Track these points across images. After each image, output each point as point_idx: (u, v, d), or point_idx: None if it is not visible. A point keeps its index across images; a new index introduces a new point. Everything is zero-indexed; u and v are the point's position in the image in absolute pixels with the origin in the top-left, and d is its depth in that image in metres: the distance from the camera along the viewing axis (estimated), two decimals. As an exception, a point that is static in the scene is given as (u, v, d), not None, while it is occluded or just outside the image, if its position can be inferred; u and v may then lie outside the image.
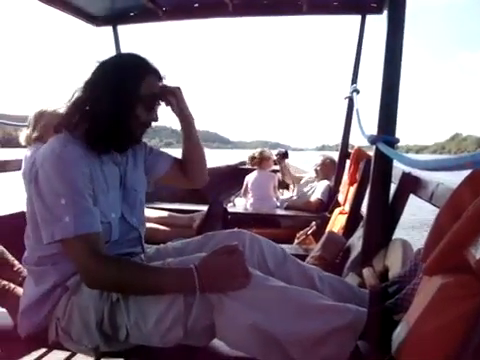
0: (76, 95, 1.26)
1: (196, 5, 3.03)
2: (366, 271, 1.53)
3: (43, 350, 1.78)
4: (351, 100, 3.20)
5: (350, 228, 2.40)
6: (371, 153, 2.26)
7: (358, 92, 2.94)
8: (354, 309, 1.09)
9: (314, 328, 1.05)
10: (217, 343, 1.18)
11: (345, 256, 2.03)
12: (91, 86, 1.25)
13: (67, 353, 1.74)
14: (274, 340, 1.05)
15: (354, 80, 3.21)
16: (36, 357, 1.76)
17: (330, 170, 3.69)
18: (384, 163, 1.64)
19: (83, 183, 1.17)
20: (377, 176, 1.66)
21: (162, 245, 1.48)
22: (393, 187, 1.74)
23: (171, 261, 1.20)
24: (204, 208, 2.76)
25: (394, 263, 1.42)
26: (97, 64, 1.27)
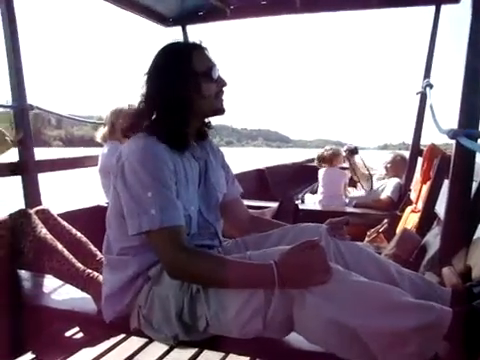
0: (139, 98, 1.34)
1: (263, 2, 3.05)
2: (446, 270, 1.48)
3: (121, 336, 1.88)
4: (423, 95, 3.09)
5: (424, 226, 2.32)
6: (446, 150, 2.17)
7: (431, 87, 2.84)
8: (438, 308, 1.05)
9: (397, 325, 1.02)
10: (295, 336, 1.17)
11: (420, 254, 1.97)
12: (150, 83, 1.31)
13: (144, 340, 1.82)
14: (354, 336, 1.03)
15: (427, 74, 3.08)
16: (115, 342, 1.86)
17: (400, 168, 3.57)
18: (466, 158, 1.57)
19: (168, 176, 1.21)
20: (458, 172, 1.60)
21: (239, 238, 1.50)
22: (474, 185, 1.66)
23: (252, 253, 1.21)
24: (273, 205, 2.77)
25: (479, 263, 1.37)
26: (150, 64, 1.33)
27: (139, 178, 1.19)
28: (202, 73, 1.30)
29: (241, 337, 1.15)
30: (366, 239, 2.77)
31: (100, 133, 2.79)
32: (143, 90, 1.32)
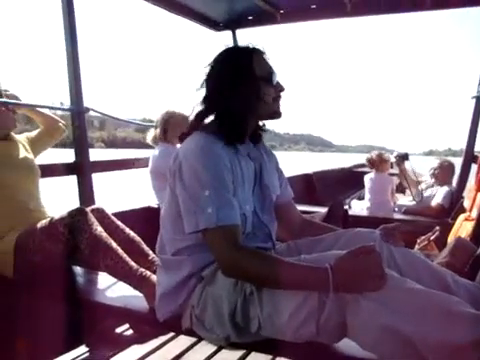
0: (199, 100, 1.36)
1: (313, 6, 3.03)
2: (506, 282, 1.42)
3: (170, 335, 1.91)
4: (479, 99, 2.98)
5: (479, 236, 2.23)
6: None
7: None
8: None
9: (455, 336, 0.98)
10: (347, 343, 1.15)
11: (475, 265, 1.89)
12: (210, 85, 1.34)
13: (192, 339, 1.85)
14: (409, 343, 1.00)
15: None
16: (163, 341, 1.90)
17: (448, 173, 3.51)
18: None
19: (226, 175, 1.23)
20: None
21: (292, 241, 1.50)
22: None
23: (305, 257, 1.20)
24: (320, 209, 2.75)
25: None
26: (209, 66, 1.36)
27: (197, 176, 1.21)
28: (262, 77, 1.32)
29: (294, 341, 1.15)
30: (416, 247, 2.70)
31: (151, 135, 2.85)
32: (201, 92, 1.36)
